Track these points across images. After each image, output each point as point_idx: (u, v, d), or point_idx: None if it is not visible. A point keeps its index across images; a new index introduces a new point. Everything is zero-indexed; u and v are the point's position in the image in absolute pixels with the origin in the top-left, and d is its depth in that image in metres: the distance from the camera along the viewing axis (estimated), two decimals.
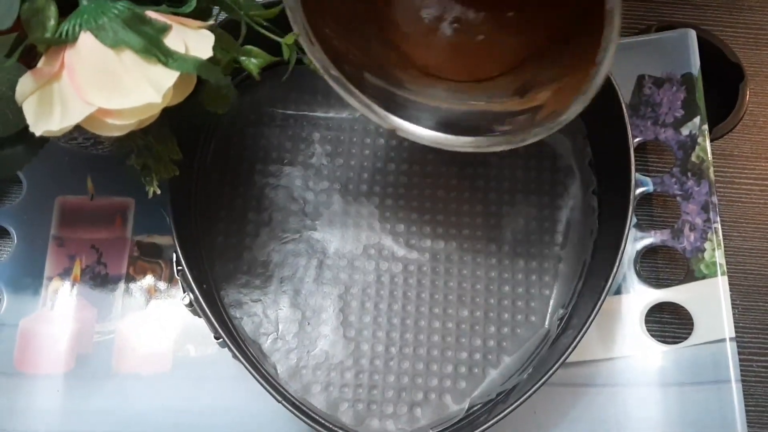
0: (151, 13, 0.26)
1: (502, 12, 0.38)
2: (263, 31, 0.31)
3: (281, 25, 0.31)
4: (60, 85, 0.25)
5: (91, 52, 0.25)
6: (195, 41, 0.26)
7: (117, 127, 0.25)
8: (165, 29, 0.26)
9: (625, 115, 0.38)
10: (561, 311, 0.39)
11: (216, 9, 0.30)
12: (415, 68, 0.38)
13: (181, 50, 0.25)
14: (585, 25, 0.33)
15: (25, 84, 0.25)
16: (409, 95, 0.36)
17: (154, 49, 0.25)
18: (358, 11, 0.36)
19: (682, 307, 0.41)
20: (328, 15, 0.33)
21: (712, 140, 0.44)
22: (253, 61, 0.31)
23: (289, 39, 0.31)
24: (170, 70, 0.25)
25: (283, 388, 0.36)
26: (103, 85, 0.25)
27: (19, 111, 0.25)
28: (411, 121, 0.33)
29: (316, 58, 0.31)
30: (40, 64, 0.26)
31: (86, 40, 0.25)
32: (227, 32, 0.30)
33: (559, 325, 0.39)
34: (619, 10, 0.29)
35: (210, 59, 0.26)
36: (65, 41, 0.25)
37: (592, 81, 0.31)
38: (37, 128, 0.25)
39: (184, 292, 0.37)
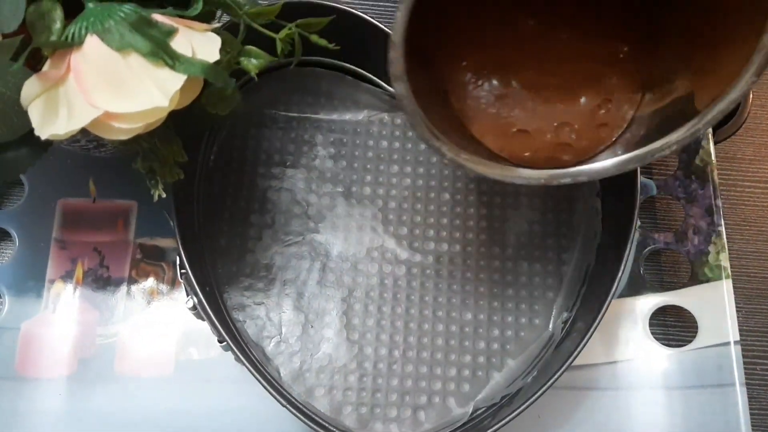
0: (157, 16, 0.26)
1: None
2: (262, 29, 0.30)
3: (278, 25, 0.31)
4: (66, 89, 0.25)
5: (97, 55, 0.25)
6: (201, 44, 0.26)
7: (123, 130, 0.25)
8: (172, 32, 0.25)
9: None
10: (565, 314, 0.39)
11: (218, 12, 0.30)
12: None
13: (188, 53, 0.25)
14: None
15: (30, 87, 0.25)
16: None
17: (161, 52, 0.25)
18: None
19: (686, 310, 0.41)
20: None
21: (715, 143, 0.44)
22: (253, 62, 0.31)
23: (282, 34, 0.31)
24: (177, 74, 0.25)
25: (287, 392, 0.36)
26: (109, 89, 0.24)
27: (24, 114, 0.25)
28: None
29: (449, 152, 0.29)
30: (45, 68, 0.25)
31: (92, 43, 0.25)
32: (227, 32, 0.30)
33: (563, 329, 0.39)
34: None
35: (216, 62, 0.25)
36: (71, 44, 0.25)
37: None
38: (43, 132, 0.25)
39: (188, 295, 0.37)
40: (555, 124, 0.34)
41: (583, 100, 0.34)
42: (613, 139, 0.33)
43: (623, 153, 0.31)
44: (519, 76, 0.35)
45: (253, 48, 0.31)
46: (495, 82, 0.35)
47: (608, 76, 0.34)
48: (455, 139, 0.30)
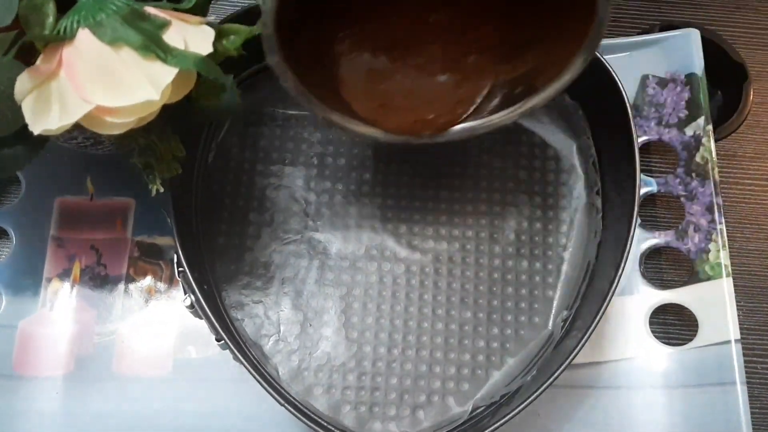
0: (150, 9, 0.26)
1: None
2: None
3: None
4: (58, 83, 0.24)
5: (89, 49, 0.24)
6: (194, 37, 0.26)
7: (116, 125, 0.25)
8: (164, 25, 0.25)
9: (630, 115, 0.37)
10: (565, 313, 0.39)
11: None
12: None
13: (181, 47, 0.25)
14: None
15: (23, 82, 0.25)
16: None
17: (153, 45, 0.24)
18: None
19: (687, 308, 0.41)
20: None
21: (716, 141, 0.44)
22: (233, 39, 0.30)
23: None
24: (169, 67, 0.25)
25: (285, 390, 0.36)
26: (101, 83, 0.24)
27: (18, 110, 0.25)
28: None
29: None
30: (38, 62, 0.25)
31: (84, 36, 0.25)
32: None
33: (563, 327, 0.39)
34: None
35: (210, 55, 0.25)
36: (63, 38, 0.25)
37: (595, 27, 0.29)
38: (36, 127, 0.24)
39: (185, 293, 0.36)
40: (417, 101, 0.36)
41: (443, 78, 0.36)
42: (468, 113, 0.35)
43: (472, 121, 0.34)
44: (388, 53, 0.36)
45: (232, 25, 0.29)
46: (366, 56, 0.36)
47: (468, 55, 0.36)
48: (332, 103, 0.33)
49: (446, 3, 0.35)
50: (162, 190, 0.32)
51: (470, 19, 0.36)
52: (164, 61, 0.25)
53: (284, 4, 0.27)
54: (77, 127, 0.25)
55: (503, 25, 0.35)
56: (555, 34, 0.33)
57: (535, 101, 0.32)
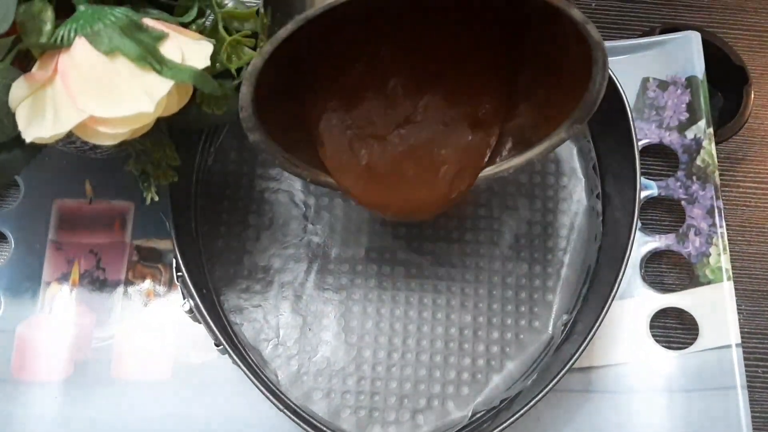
0: (148, 21, 0.25)
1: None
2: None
3: None
4: (53, 91, 0.24)
5: (85, 58, 0.24)
6: (192, 50, 0.25)
7: (109, 135, 0.24)
8: (161, 37, 0.25)
9: (630, 118, 0.37)
10: (565, 317, 0.39)
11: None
12: None
13: (178, 59, 0.25)
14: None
15: (18, 88, 0.24)
16: None
17: (149, 57, 0.24)
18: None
19: (687, 312, 0.41)
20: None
21: (716, 144, 0.44)
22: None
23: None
24: (165, 79, 0.24)
25: (284, 395, 0.36)
26: (96, 92, 0.24)
27: (13, 116, 0.25)
28: None
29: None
30: (34, 69, 0.25)
31: (81, 46, 0.24)
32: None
33: (563, 331, 0.38)
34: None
35: (206, 69, 0.25)
36: (59, 46, 0.25)
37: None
38: (28, 134, 0.24)
39: (184, 297, 0.36)
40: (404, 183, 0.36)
41: (438, 161, 0.36)
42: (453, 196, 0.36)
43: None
44: (379, 138, 0.36)
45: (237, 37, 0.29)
46: (354, 132, 0.36)
47: (462, 135, 0.36)
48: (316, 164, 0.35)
49: (434, 81, 0.36)
50: (157, 198, 0.32)
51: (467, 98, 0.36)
52: (160, 73, 0.24)
53: (260, 88, 0.28)
54: (72, 133, 0.24)
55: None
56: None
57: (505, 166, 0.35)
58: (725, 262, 0.41)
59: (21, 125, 0.24)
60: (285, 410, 0.33)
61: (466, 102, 0.36)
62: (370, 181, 0.35)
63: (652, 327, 0.41)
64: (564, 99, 0.32)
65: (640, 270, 0.42)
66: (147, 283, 0.41)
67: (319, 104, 0.35)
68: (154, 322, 0.40)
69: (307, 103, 0.35)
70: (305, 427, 0.34)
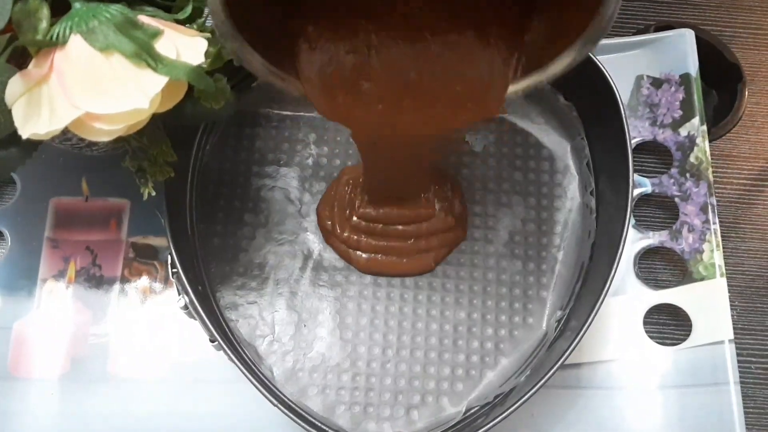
0: (144, 18, 0.26)
1: None
2: None
3: None
4: (49, 88, 0.24)
5: (80, 55, 0.24)
6: (187, 47, 0.26)
7: (104, 132, 0.25)
8: (156, 34, 0.25)
9: (624, 115, 0.37)
10: (559, 313, 0.39)
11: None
12: None
13: (173, 56, 0.25)
14: None
15: (14, 86, 0.25)
16: None
17: (144, 54, 0.25)
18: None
19: (681, 308, 0.41)
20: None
21: (710, 141, 0.44)
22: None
23: None
24: (159, 76, 0.25)
25: (280, 391, 0.36)
26: (91, 89, 0.24)
27: (9, 113, 0.25)
28: None
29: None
30: (30, 66, 0.25)
31: (76, 43, 0.25)
32: None
33: (557, 327, 0.39)
34: None
35: (200, 65, 0.25)
36: (55, 44, 0.25)
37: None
38: (24, 131, 0.24)
39: (179, 294, 0.37)
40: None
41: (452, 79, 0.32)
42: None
43: None
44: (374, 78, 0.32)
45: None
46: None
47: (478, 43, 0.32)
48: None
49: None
50: (154, 193, 0.32)
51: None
52: (155, 69, 0.25)
53: None
54: (69, 129, 0.25)
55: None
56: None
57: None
58: (718, 258, 0.42)
59: (17, 122, 0.25)
60: (280, 406, 0.34)
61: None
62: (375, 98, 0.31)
63: (645, 323, 0.41)
64: (577, 16, 0.29)
65: (634, 267, 0.42)
66: (143, 281, 0.41)
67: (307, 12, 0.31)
68: (150, 319, 0.40)
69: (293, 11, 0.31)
70: (300, 422, 0.34)
